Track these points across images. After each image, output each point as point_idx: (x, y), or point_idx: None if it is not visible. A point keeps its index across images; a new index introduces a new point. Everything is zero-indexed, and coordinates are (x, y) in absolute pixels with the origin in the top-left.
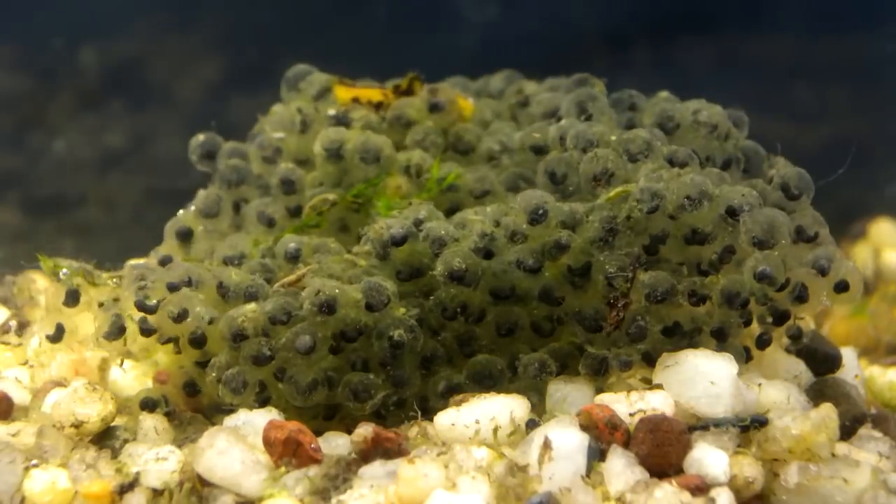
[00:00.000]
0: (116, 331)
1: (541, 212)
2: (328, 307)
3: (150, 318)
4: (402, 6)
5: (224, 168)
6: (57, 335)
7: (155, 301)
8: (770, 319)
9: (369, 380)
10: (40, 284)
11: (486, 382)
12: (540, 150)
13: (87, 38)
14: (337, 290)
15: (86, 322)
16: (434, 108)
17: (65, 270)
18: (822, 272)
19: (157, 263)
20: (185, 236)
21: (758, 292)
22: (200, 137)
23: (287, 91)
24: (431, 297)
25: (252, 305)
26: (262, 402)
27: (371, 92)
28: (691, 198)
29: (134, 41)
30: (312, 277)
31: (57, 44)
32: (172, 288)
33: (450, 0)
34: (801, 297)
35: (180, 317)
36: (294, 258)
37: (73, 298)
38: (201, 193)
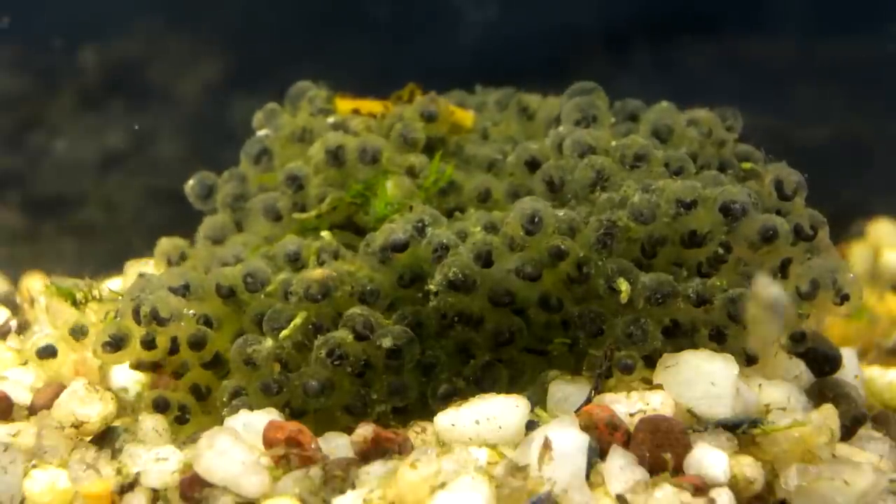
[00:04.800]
0: (116, 342)
1: (536, 220)
2: (339, 357)
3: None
4: (402, 7)
5: (224, 194)
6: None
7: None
8: None
9: (365, 393)
10: (41, 284)
11: (486, 386)
12: (534, 165)
13: (87, 38)
14: (349, 339)
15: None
16: (427, 117)
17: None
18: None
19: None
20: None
21: None
22: (191, 182)
23: (290, 107)
24: (430, 304)
25: (269, 342)
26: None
27: (371, 104)
28: (684, 203)
29: (134, 41)
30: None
31: (57, 44)
32: (174, 292)
33: (449, 1)
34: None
35: (156, 317)
36: (294, 261)
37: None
38: (208, 220)
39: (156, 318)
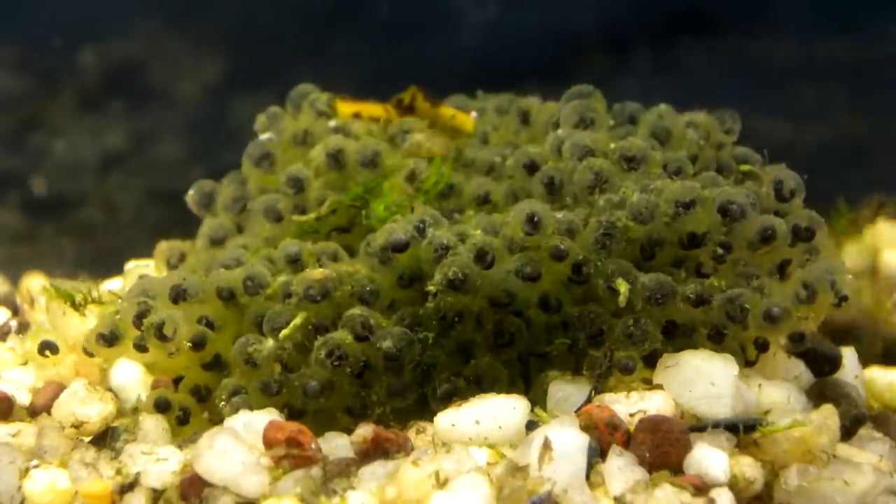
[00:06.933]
0: (109, 338)
1: (535, 220)
2: (339, 358)
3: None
4: (402, 7)
5: (225, 197)
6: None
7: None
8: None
9: (364, 394)
10: (40, 285)
11: (487, 386)
12: (533, 168)
13: (87, 39)
14: (348, 340)
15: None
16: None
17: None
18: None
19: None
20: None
21: (761, 324)
22: (191, 192)
23: (292, 109)
24: (429, 304)
25: (270, 342)
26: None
27: (372, 107)
28: (682, 203)
29: (134, 42)
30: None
31: (57, 44)
32: (175, 290)
33: (449, 1)
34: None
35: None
36: (294, 262)
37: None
38: (209, 222)
39: (159, 334)
